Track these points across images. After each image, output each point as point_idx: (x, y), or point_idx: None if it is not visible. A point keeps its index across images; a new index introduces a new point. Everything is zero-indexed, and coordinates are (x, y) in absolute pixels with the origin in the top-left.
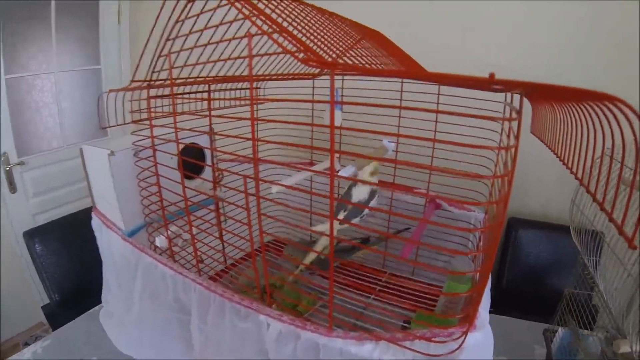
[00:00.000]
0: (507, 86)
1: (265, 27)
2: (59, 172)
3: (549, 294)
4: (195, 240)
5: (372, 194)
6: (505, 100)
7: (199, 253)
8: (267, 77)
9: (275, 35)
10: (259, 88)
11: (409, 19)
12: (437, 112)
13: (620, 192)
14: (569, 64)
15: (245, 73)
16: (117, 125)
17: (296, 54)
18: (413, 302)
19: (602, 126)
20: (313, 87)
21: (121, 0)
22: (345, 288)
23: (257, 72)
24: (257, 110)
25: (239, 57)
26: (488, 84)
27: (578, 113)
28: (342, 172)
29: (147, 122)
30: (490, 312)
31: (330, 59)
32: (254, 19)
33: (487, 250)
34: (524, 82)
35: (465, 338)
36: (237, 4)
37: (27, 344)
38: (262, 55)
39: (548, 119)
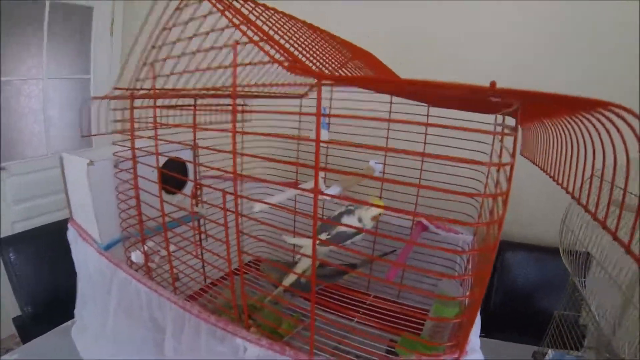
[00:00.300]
0: (507, 95)
1: (255, 38)
2: (42, 180)
3: (537, 316)
4: (173, 258)
5: (358, 232)
6: (497, 117)
7: (175, 271)
8: (253, 94)
9: (262, 44)
10: (245, 105)
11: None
12: (427, 124)
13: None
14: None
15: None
16: (99, 134)
17: (283, 62)
18: (398, 326)
19: (592, 140)
20: (300, 106)
21: (115, 11)
22: (327, 310)
23: (244, 87)
24: (242, 126)
25: (222, 67)
26: (488, 93)
27: (572, 127)
28: (328, 192)
29: (129, 132)
30: (481, 336)
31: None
32: (244, 28)
33: (479, 273)
34: (524, 90)
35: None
36: (227, 12)
37: None
38: (245, 65)
39: (539, 138)
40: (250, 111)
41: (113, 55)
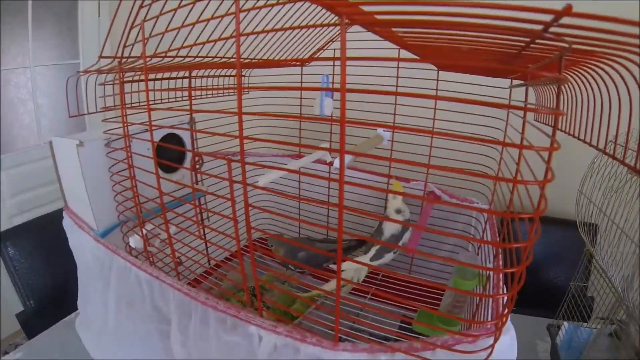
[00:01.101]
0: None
1: None
2: (37, 171)
3: (550, 289)
4: (174, 241)
5: (404, 228)
6: (512, 83)
7: (178, 254)
8: (253, 64)
9: None
10: (244, 76)
11: None
12: (437, 98)
13: None
14: None
15: (232, 56)
16: (89, 113)
17: None
18: (412, 300)
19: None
20: (302, 74)
21: None
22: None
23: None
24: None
25: (224, 38)
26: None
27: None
28: (337, 163)
29: (119, 108)
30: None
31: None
32: None
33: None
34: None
35: (494, 346)
36: None
37: (6, 353)
38: (248, 34)
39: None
40: (252, 88)
41: (101, 36)
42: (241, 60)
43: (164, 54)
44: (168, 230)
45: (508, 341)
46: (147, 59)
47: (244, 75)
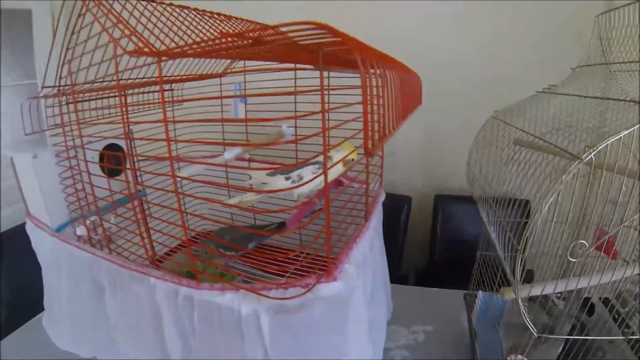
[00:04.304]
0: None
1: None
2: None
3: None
4: (115, 230)
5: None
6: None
7: (108, 233)
8: (176, 80)
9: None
10: (173, 90)
11: None
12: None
13: None
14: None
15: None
16: (41, 131)
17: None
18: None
19: None
20: (220, 84)
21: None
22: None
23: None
24: (173, 110)
25: (104, 61)
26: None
27: None
28: (228, 153)
29: (63, 128)
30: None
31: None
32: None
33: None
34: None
35: (314, 286)
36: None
37: None
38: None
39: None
40: (180, 100)
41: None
42: (165, 77)
43: (92, 82)
44: (99, 214)
45: (341, 288)
46: (78, 86)
47: (173, 89)
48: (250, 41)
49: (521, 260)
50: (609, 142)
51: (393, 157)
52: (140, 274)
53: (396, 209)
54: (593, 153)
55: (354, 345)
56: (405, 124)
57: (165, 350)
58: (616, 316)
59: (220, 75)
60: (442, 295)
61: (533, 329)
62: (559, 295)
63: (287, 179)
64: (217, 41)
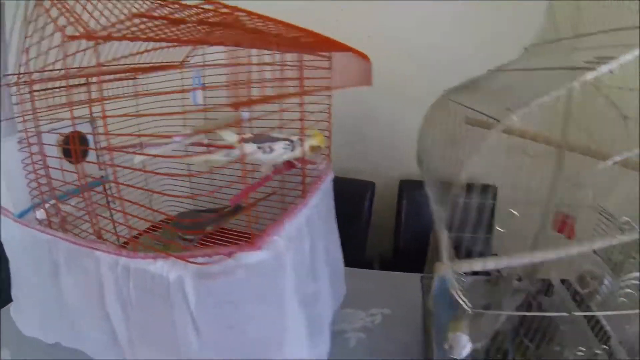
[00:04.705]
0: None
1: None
2: None
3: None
4: (60, 203)
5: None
6: None
7: (64, 214)
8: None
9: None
10: (139, 78)
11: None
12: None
13: None
14: None
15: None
16: (8, 119)
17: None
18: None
19: None
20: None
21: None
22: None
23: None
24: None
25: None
26: None
27: None
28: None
29: (28, 114)
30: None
31: None
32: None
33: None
34: None
35: (234, 253)
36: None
37: None
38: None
39: None
40: (146, 93)
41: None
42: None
43: (49, 70)
44: (55, 196)
45: (265, 257)
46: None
47: (137, 78)
48: (165, 22)
49: (448, 236)
50: (530, 107)
51: (359, 143)
52: (88, 249)
53: (360, 195)
54: (514, 117)
55: (286, 316)
56: (375, 109)
57: (109, 321)
58: (577, 298)
59: (179, 66)
60: (402, 279)
61: (466, 304)
62: (497, 272)
63: (259, 147)
64: (141, 25)
